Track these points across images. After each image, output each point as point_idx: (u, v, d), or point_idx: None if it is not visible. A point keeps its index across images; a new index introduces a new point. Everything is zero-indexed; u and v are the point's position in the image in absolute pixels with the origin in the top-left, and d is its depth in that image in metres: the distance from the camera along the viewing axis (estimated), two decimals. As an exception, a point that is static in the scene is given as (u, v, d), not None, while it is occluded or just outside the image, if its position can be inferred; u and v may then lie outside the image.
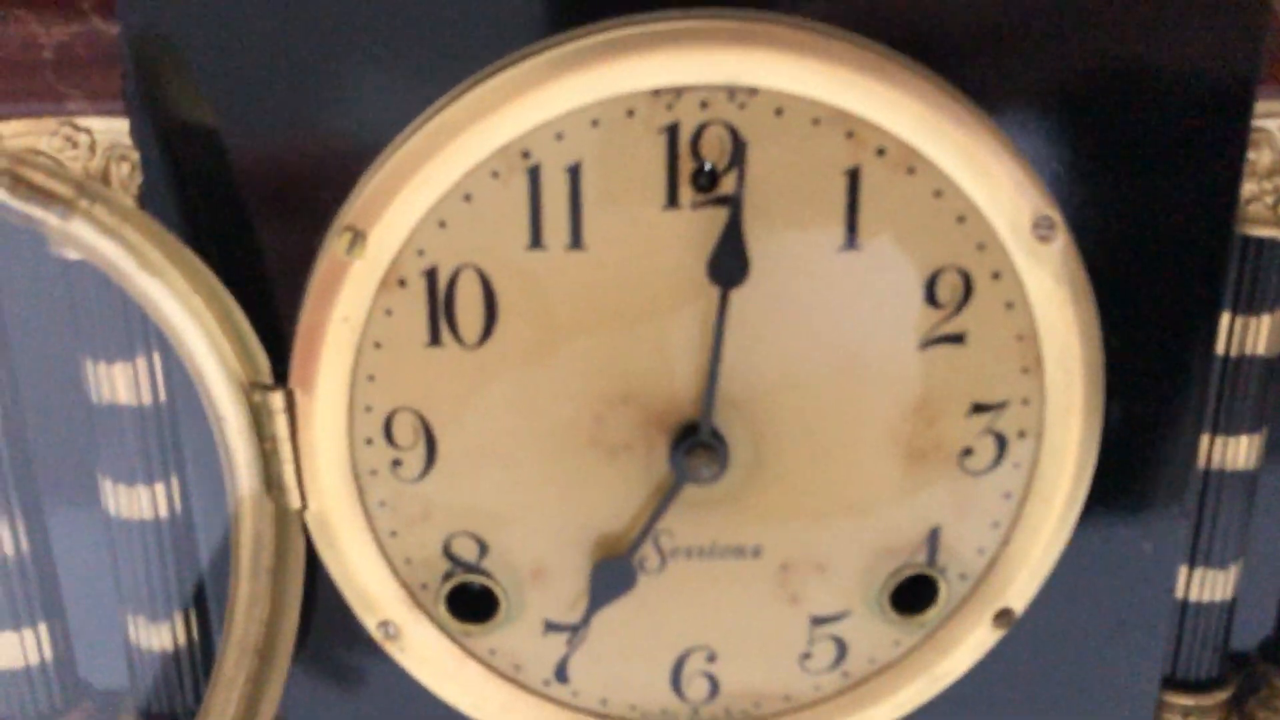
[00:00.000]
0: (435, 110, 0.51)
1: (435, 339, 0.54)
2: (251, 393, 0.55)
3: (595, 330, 0.54)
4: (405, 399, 0.55)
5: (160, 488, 0.60)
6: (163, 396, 0.59)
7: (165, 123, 0.53)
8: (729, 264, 0.51)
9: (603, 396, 0.55)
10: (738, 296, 0.53)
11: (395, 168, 0.51)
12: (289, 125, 0.52)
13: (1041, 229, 0.53)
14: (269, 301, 0.54)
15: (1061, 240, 0.53)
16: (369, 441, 0.56)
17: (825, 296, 0.53)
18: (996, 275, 0.54)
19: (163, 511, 0.61)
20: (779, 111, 0.51)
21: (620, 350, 0.54)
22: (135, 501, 0.60)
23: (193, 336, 0.53)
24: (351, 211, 0.52)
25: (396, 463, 0.56)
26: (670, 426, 0.55)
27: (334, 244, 0.52)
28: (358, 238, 0.52)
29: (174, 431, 0.59)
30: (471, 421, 0.55)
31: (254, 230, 0.54)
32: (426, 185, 0.52)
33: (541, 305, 0.53)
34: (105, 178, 0.55)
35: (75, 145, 0.55)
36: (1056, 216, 0.53)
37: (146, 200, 0.53)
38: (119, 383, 0.58)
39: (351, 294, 0.53)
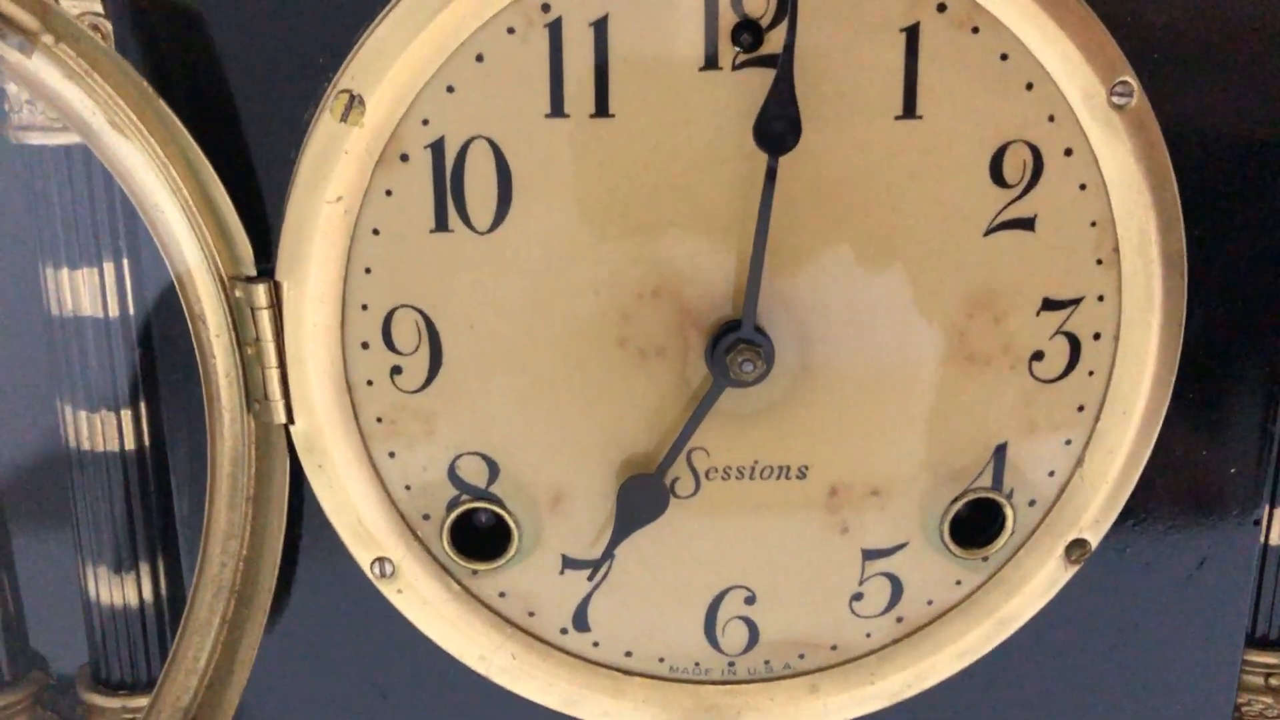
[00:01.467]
0: (444, -44, 0.45)
1: (442, 223, 0.48)
2: (232, 287, 0.48)
3: (623, 212, 0.48)
4: (407, 294, 0.49)
5: (128, 415, 0.54)
6: (132, 309, 0.52)
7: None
8: (779, 125, 0.46)
9: (631, 290, 0.49)
10: (785, 171, 0.47)
11: (398, 22, 0.46)
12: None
13: (1119, 97, 0.47)
14: (254, 179, 0.48)
15: (1141, 111, 0.48)
16: (365, 345, 0.49)
17: (880, 171, 0.48)
18: (1069, 152, 0.48)
19: (130, 443, 0.54)
20: (829, -41, 0.46)
21: (651, 235, 0.48)
22: (99, 431, 0.54)
23: (166, 214, 0.47)
24: (348, 73, 0.46)
25: (396, 370, 0.50)
26: (708, 324, 0.49)
27: (328, 110, 0.46)
28: (355, 102, 0.46)
29: (145, 348, 0.52)
30: (482, 321, 0.49)
31: (239, 97, 0.47)
32: (432, 43, 0.46)
33: (562, 183, 0.47)
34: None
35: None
36: (1135, 83, 0.47)
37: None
38: (82, 292, 0.52)
39: (347, 170, 0.47)
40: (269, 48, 0.47)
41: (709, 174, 0.48)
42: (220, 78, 0.47)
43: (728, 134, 0.47)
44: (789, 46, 0.45)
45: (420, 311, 0.49)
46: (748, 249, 0.48)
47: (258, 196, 0.48)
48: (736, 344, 0.48)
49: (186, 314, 0.48)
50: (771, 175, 0.46)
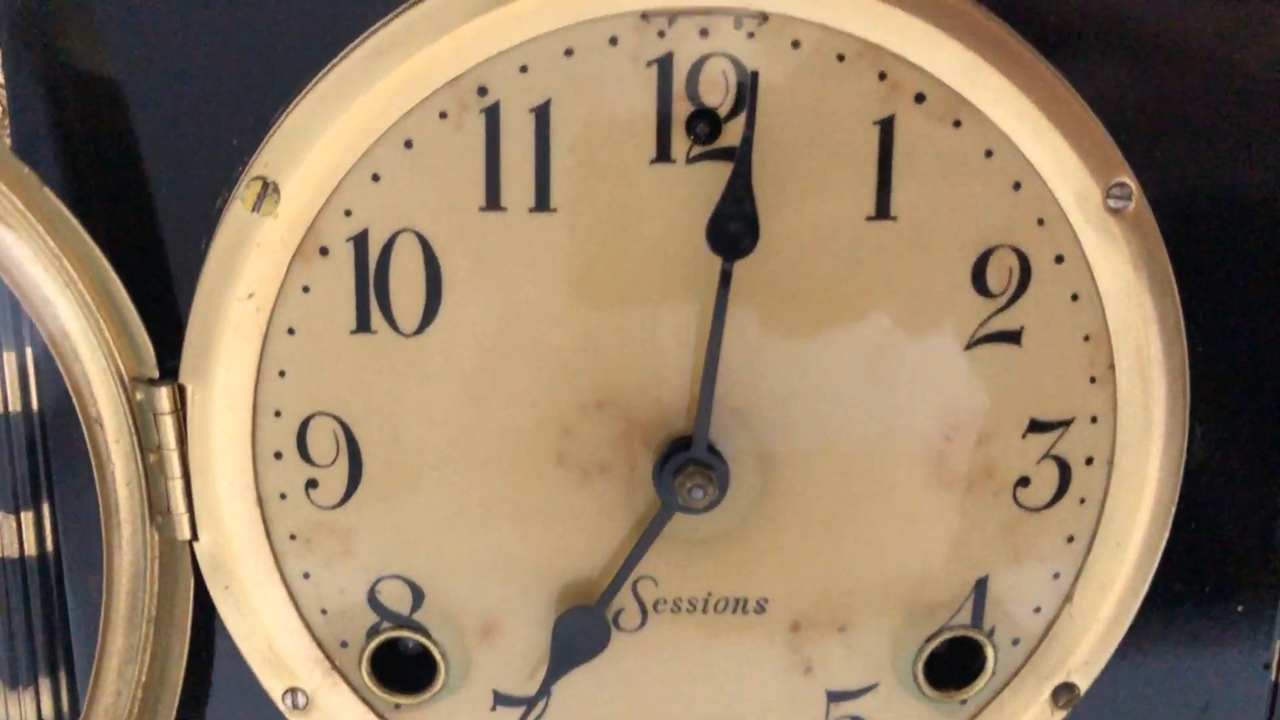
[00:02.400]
0: (369, 34, 0.41)
1: (364, 324, 0.43)
2: (133, 388, 0.44)
3: (565, 315, 0.43)
4: (324, 401, 0.44)
5: (28, 517, 0.49)
6: (35, 402, 0.48)
7: (43, 52, 0.43)
8: (734, 228, 0.41)
9: (573, 401, 0.44)
10: (743, 274, 0.42)
11: (317, 103, 0.41)
12: (193, 50, 0.42)
13: (1116, 200, 0.43)
14: (161, 271, 0.44)
15: (1139, 216, 0.43)
16: (278, 455, 0.45)
17: (850, 277, 0.43)
18: (1060, 259, 0.44)
19: (30, 548, 0.49)
20: (796, 44, 0.42)
21: (596, 342, 0.44)
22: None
23: (58, 309, 0.42)
24: (262, 158, 0.42)
25: (312, 483, 0.45)
26: (657, 441, 0.45)
27: (239, 199, 0.42)
28: (269, 190, 0.42)
29: (44, 446, 0.48)
30: (406, 432, 0.44)
31: (148, 179, 0.43)
32: (356, 127, 0.42)
33: (498, 282, 0.43)
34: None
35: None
36: (1134, 185, 0.43)
37: (15, 145, 0.43)
38: (-24, 384, 0.47)
39: (260, 264, 0.42)
40: (180, 126, 0.43)
41: (659, 275, 0.43)
42: (128, 156, 0.43)
43: (680, 232, 0.43)
44: (747, 140, 0.41)
45: (338, 420, 0.44)
46: (702, 358, 0.43)
47: (166, 290, 0.44)
48: (686, 465, 0.43)
49: (81, 417, 0.44)
50: (726, 279, 0.42)
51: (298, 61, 0.42)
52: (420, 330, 0.43)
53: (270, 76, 0.42)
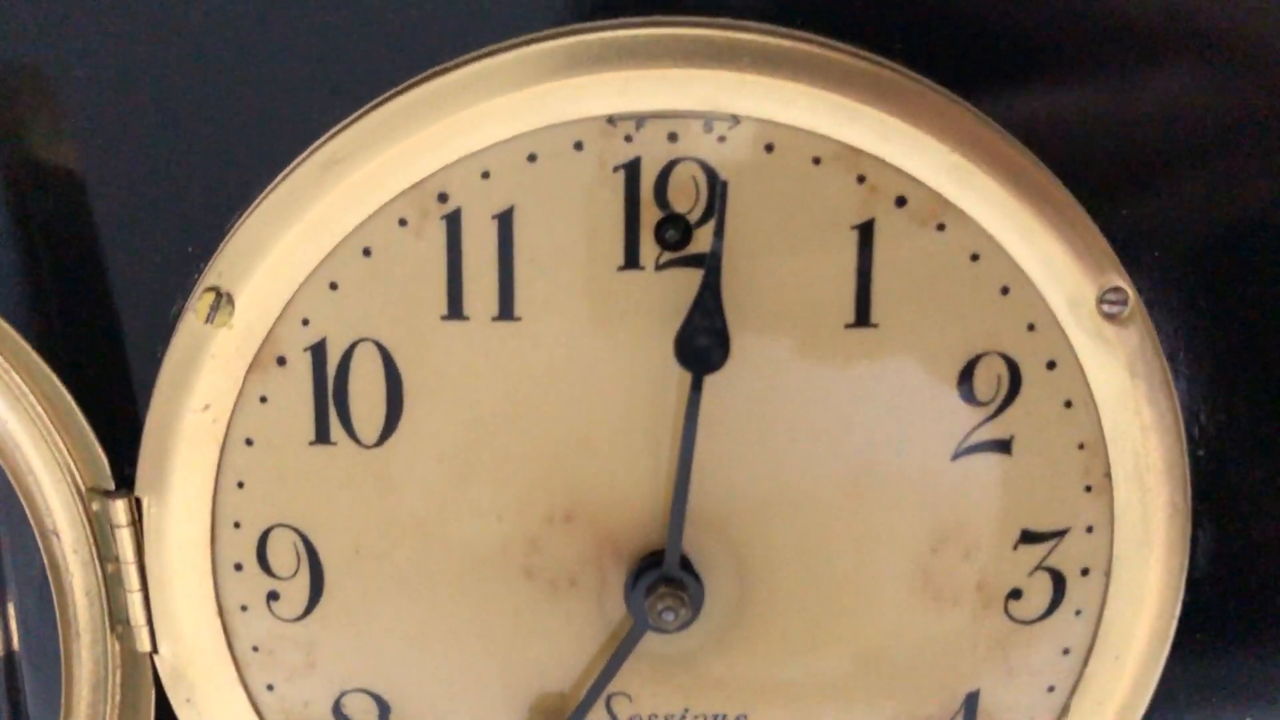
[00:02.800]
0: (325, 139, 0.40)
1: (323, 435, 0.42)
2: (90, 499, 0.42)
3: (531, 426, 0.42)
4: (283, 513, 0.43)
5: (-8, 620, 0.48)
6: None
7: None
8: (703, 343, 0.39)
9: (540, 513, 0.42)
10: (717, 383, 0.41)
11: (271, 211, 0.40)
12: (151, 151, 0.41)
13: (1110, 305, 0.41)
14: (116, 383, 0.43)
15: (1137, 321, 0.41)
16: (238, 567, 0.43)
17: (829, 386, 0.41)
18: (1052, 365, 0.42)
19: (-5, 650, 0.48)
20: (769, 147, 0.40)
21: (564, 453, 0.42)
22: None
23: (10, 425, 0.41)
24: (215, 267, 0.40)
25: (273, 595, 0.43)
26: (628, 554, 0.43)
27: (192, 310, 0.40)
28: (221, 300, 0.40)
29: None
30: (369, 544, 0.43)
31: (101, 289, 0.42)
32: (312, 235, 0.40)
33: (461, 392, 0.41)
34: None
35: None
36: (1130, 290, 0.41)
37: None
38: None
39: (214, 376, 0.41)
40: (137, 230, 0.42)
41: (629, 385, 0.41)
42: (84, 259, 0.42)
43: (650, 340, 0.41)
44: (715, 255, 0.39)
45: (298, 532, 0.43)
46: (675, 468, 0.41)
47: (124, 399, 0.43)
48: (658, 584, 0.41)
49: (35, 529, 0.43)
50: (697, 393, 0.40)
51: (255, 166, 0.40)
52: (381, 442, 0.42)
53: (226, 181, 0.41)
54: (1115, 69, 0.40)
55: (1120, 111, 0.41)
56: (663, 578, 0.41)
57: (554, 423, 0.42)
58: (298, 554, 0.43)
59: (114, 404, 0.43)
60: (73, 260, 0.42)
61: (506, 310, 0.41)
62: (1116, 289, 0.41)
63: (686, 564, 0.42)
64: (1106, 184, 0.41)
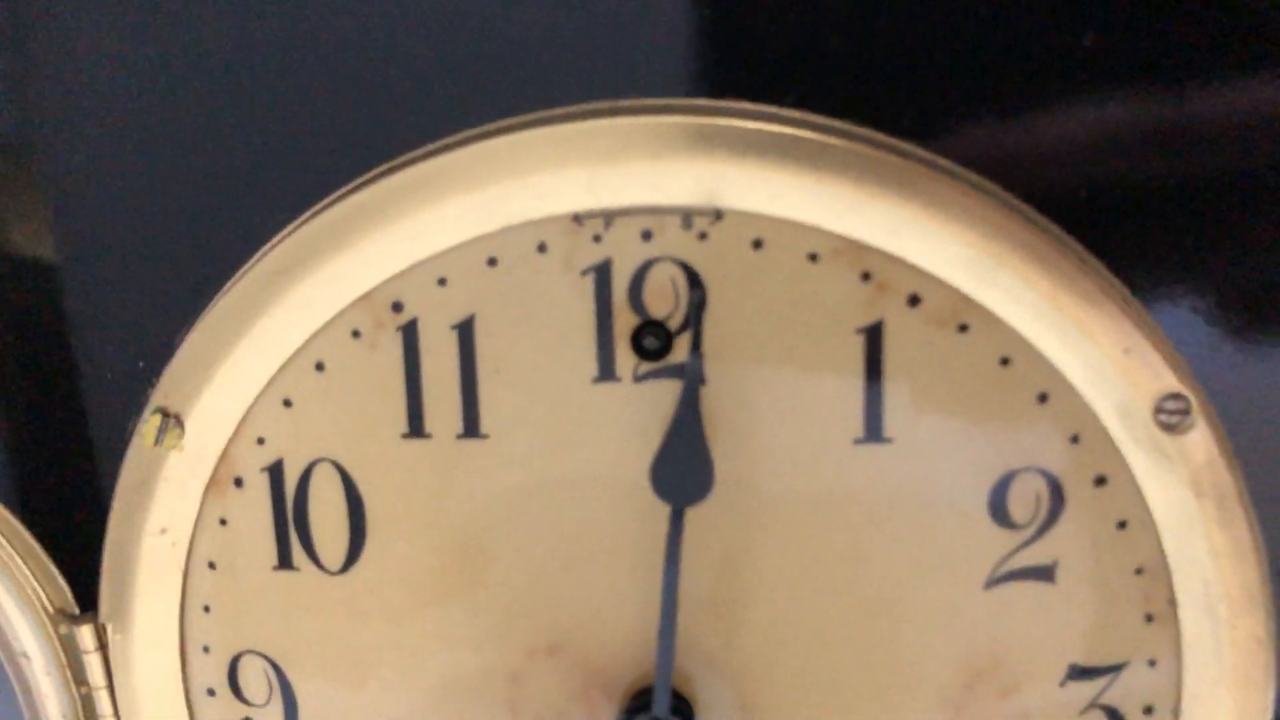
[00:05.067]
0: (269, 248, 0.36)
1: (285, 561, 0.39)
2: (57, 623, 0.40)
3: (504, 552, 0.38)
4: (252, 639, 0.40)
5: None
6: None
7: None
8: (680, 474, 0.35)
9: (521, 645, 0.39)
10: (707, 506, 0.36)
11: (214, 327, 0.37)
12: (99, 275, 0.38)
13: (1169, 415, 0.35)
14: (77, 506, 0.40)
15: (1201, 431, 0.35)
16: (211, 693, 0.41)
17: (836, 509, 0.36)
18: (1101, 481, 0.36)
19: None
20: (758, 244, 0.35)
21: (542, 580, 0.38)
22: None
23: (-37, 552, 0.39)
24: (161, 388, 0.37)
25: (248, 723, 0.41)
26: (619, 689, 0.39)
27: (140, 433, 0.38)
28: (169, 422, 0.37)
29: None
30: (341, 674, 0.40)
31: (56, 413, 0.40)
32: (261, 350, 0.37)
33: (427, 516, 0.38)
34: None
35: None
36: (1193, 397, 0.35)
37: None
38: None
39: (170, 498, 0.38)
40: (88, 348, 0.39)
41: (610, 507, 0.37)
42: (41, 378, 0.40)
43: (630, 457, 0.36)
44: (694, 371, 0.34)
45: (268, 659, 0.40)
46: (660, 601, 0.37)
47: (89, 521, 0.40)
48: (646, 729, 0.37)
49: (1, 653, 0.41)
50: (678, 524, 0.35)
51: (201, 278, 0.37)
52: (346, 567, 0.38)
53: (175, 295, 0.38)
54: (1162, 138, 0.34)
55: (1173, 186, 0.34)
56: (652, 721, 0.37)
57: (530, 548, 0.38)
58: (269, 681, 0.40)
59: (77, 526, 0.40)
60: (31, 378, 0.40)
61: (472, 427, 0.37)
62: (1176, 395, 0.35)
63: (682, 704, 0.38)
64: (1163, 272, 0.35)
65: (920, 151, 0.34)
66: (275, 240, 0.36)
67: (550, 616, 0.38)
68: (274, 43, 0.36)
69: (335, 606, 0.39)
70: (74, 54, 0.37)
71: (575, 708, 0.39)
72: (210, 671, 0.40)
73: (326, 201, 0.36)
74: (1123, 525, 0.36)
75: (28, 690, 0.41)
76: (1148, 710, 0.38)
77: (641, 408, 0.36)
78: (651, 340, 0.36)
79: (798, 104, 0.34)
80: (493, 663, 0.39)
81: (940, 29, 0.34)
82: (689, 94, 0.35)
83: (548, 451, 0.37)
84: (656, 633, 0.37)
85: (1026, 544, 0.36)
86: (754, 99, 0.34)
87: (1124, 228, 0.35)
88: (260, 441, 0.38)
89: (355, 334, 0.37)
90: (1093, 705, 0.38)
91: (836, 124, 0.34)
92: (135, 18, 0.36)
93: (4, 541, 0.39)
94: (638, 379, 0.36)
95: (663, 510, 0.36)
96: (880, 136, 0.34)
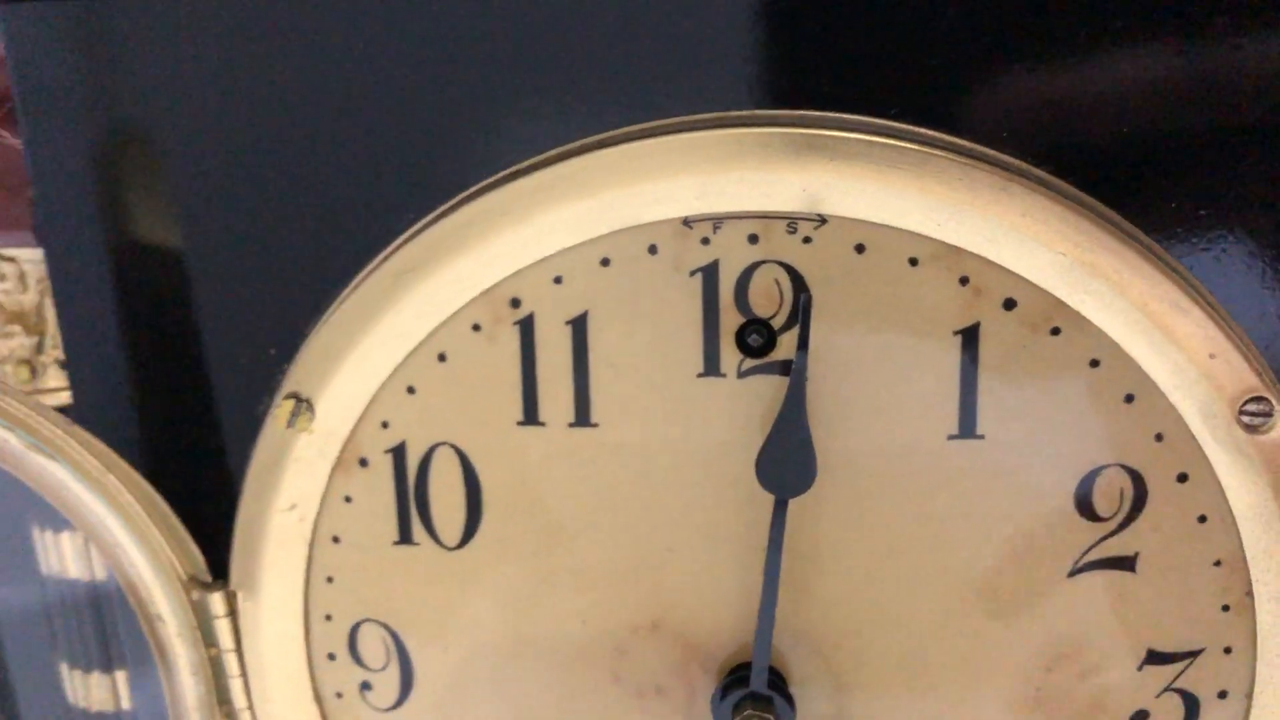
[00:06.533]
0: (396, 246, 0.39)
1: (405, 536, 0.41)
2: (190, 588, 0.43)
3: (612, 534, 0.40)
4: (372, 608, 0.42)
5: (122, 676, 0.50)
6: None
7: (81, 260, 0.42)
8: (786, 467, 0.37)
9: (625, 621, 0.41)
10: (805, 500, 0.38)
11: (345, 319, 0.39)
12: (233, 257, 0.41)
13: (1252, 416, 0.36)
14: (213, 479, 0.43)
15: (1283, 431, 0.36)
16: (331, 657, 0.43)
17: (930, 500, 0.38)
18: (1183, 478, 0.37)
19: (125, 702, 0.50)
20: (860, 248, 0.36)
21: (647, 561, 0.40)
22: (93, 690, 0.50)
23: (108, 523, 0.42)
24: (293, 375, 0.40)
25: (365, 685, 0.44)
26: (717, 663, 0.41)
27: (273, 416, 0.40)
28: (301, 406, 0.40)
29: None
30: (455, 642, 0.42)
31: (191, 394, 0.42)
32: (387, 341, 0.39)
33: (540, 499, 0.40)
34: (40, 312, 0.45)
35: (3, 277, 0.45)
36: (1275, 398, 0.36)
37: (66, 350, 0.43)
38: (67, 553, 0.48)
39: (299, 476, 0.41)
40: (221, 333, 0.42)
41: (713, 494, 0.39)
42: (177, 362, 0.42)
43: (734, 449, 0.38)
44: (800, 369, 0.36)
45: (387, 627, 0.42)
46: (759, 581, 0.39)
47: (222, 494, 0.43)
48: (743, 703, 0.40)
49: (140, 615, 0.44)
50: (781, 513, 0.37)
51: (331, 271, 0.40)
52: (463, 544, 0.41)
53: (304, 287, 0.40)
54: (1260, 151, 0.35)
55: (1254, 197, 0.36)
56: (749, 695, 0.40)
57: (635, 531, 0.40)
58: (387, 648, 0.43)
59: (210, 499, 0.43)
60: (165, 364, 0.42)
61: (583, 416, 0.39)
62: (1259, 398, 0.36)
63: (778, 679, 0.40)
64: (1249, 279, 0.36)
65: (1017, 163, 0.36)
66: (401, 239, 0.38)
67: (653, 595, 0.40)
68: (409, 49, 0.38)
69: (451, 579, 0.41)
70: (209, 54, 0.39)
71: (675, 680, 0.41)
72: (332, 638, 0.43)
73: (449, 204, 0.38)
74: (1203, 519, 0.38)
75: (162, 651, 0.44)
76: (1222, 694, 0.40)
77: (744, 402, 0.38)
78: (756, 338, 0.38)
79: (899, 116, 0.36)
80: (598, 636, 0.41)
81: (1037, 49, 0.35)
82: (794, 106, 0.36)
83: (654, 441, 0.39)
84: (755, 613, 0.39)
85: (1110, 535, 0.38)
86: (857, 112, 0.36)
87: (1210, 235, 0.36)
88: (385, 425, 0.40)
89: (475, 327, 0.39)
90: (1169, 688, 0.40)
91: (937, 135, 0.36)
92: (273, 21, 0.38)
93: (142, 513, 0.42)
94: (741, 375, 0.38)
95: (761, 497, 0.38)
96: (978, 148, 0.36)
